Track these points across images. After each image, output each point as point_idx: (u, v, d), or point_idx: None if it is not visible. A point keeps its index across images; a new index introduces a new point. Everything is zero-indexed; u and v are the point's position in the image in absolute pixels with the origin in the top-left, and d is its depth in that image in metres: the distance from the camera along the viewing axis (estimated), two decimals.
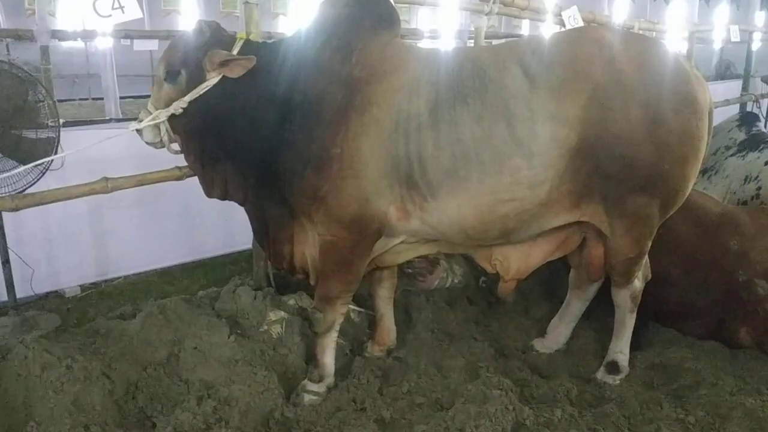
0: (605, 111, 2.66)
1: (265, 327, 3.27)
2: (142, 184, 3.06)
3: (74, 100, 16.19)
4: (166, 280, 4.69)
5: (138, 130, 2.93)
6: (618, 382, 3.17)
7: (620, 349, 3.23)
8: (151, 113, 2.87)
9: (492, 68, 2.73)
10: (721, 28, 9.26)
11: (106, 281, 4.61)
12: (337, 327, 3.09)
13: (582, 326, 3.73)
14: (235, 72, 2.74)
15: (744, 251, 3.48)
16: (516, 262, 3.22)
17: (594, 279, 3.28)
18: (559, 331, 3.57)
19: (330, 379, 3.09)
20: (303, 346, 3.27)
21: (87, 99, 15.90)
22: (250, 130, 2.82)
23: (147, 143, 2.98)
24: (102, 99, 12.73)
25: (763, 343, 3.34)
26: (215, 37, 2.86)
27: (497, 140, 2.67)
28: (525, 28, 16.24)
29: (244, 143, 2.85)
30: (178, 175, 3.15)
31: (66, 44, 14.41)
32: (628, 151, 2.71)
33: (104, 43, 11.37)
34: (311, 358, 3.20)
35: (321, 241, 2.90)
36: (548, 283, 4.15)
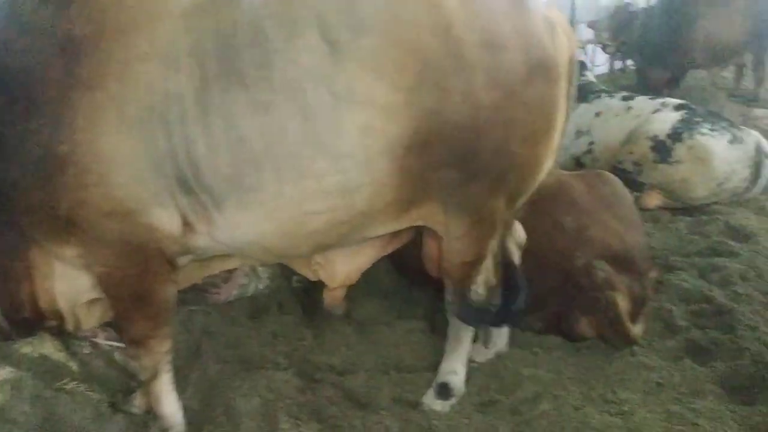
0: (442, 94, 2.00)
1: None
2: None
3: None
4: None
5: None
6: (448, 408, 2.60)
7: (454, 369, 2.66)
8: None
9: (278, 32, 1.96)
10: None
11: None
12: (166, 368, 2.42)
13: (410, 328, 3.17)
14: None
15: (581, 228, 3.00)
16: (342, 264, 2.72)
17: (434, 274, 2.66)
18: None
19: (179, 428, 2.46)
20: (37, 414, 2.38)
21: None
22: None
23: None
24: None
25: (606, 335, 2.89)
26: None
27: (292, 137, 1.97)
28: None
29: None
30: None
31: None
32: (472, 138, 2.08)
33: None
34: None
35: (96, 274, 2.21)
36: (369, 274, 3.46)
